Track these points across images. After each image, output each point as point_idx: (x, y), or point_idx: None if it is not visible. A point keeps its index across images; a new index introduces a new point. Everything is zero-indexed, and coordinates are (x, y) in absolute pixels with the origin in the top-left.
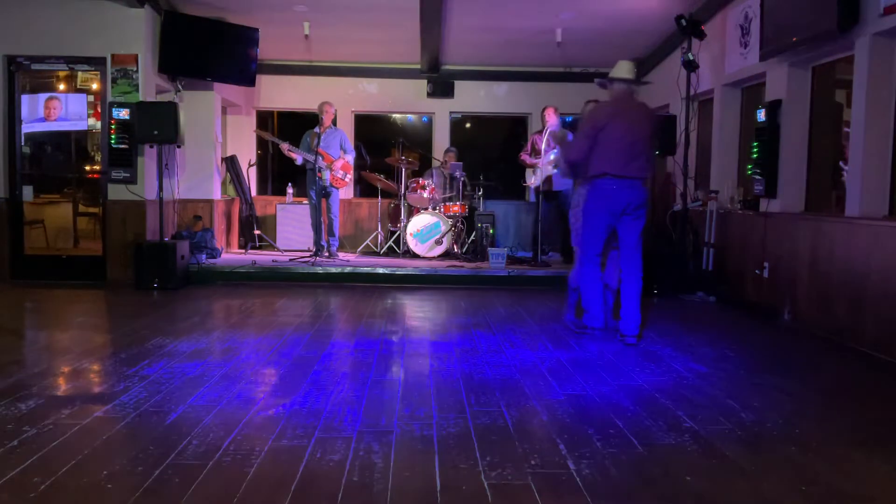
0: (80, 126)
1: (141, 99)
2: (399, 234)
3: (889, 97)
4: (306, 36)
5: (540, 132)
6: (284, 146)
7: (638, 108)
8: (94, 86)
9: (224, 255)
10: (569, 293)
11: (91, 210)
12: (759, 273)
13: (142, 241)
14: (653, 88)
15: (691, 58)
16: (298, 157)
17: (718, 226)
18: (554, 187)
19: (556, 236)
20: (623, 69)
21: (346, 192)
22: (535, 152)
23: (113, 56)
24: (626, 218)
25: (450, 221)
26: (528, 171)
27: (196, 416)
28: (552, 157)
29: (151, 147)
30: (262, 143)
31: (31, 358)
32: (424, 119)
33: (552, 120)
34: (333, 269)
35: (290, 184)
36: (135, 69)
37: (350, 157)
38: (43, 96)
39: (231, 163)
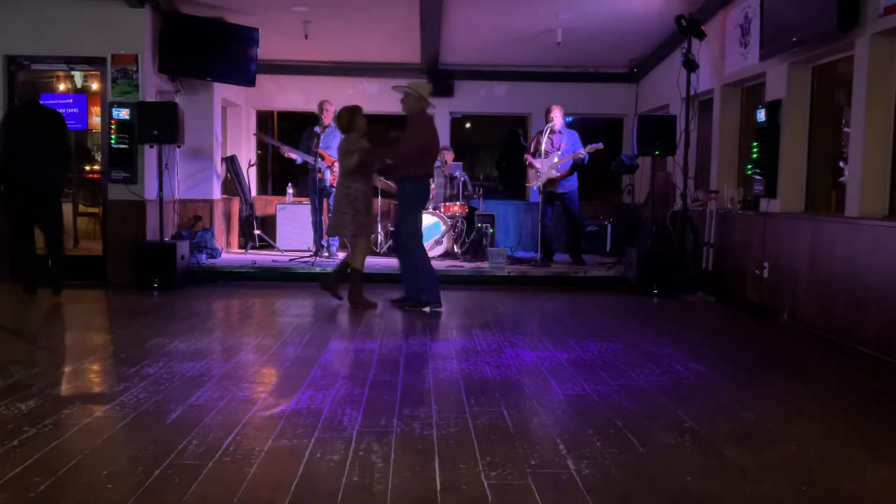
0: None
1: (141, 99)
2: None
3: (889, 97)
4: (306, 36)
5: (541, 132)
6: (284, 149)
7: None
8: (95, 85)
9: (224, 255)
10: (351, 276)
11: (91, 210)
12: (758, 273)
13: (142, 241)
14: (653, 88)
15: (691, 58)
16: (298, 158)
17: (718, 226)
18: (557, 189)
19: (560, 237)
20: (428, 91)
21: None
22: (539, 152)
23: (113, 56)
24: None
25: (450, 221)
26: (531, 172)
27: (196, 416)
28: (556, 159)
29: (151, 147)
30: (262, 144)
31: (32, 358)
32: None
33: (557, 119)
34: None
35: (290, 184)
36: (135, 69)
37: None
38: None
39: (231, 163)
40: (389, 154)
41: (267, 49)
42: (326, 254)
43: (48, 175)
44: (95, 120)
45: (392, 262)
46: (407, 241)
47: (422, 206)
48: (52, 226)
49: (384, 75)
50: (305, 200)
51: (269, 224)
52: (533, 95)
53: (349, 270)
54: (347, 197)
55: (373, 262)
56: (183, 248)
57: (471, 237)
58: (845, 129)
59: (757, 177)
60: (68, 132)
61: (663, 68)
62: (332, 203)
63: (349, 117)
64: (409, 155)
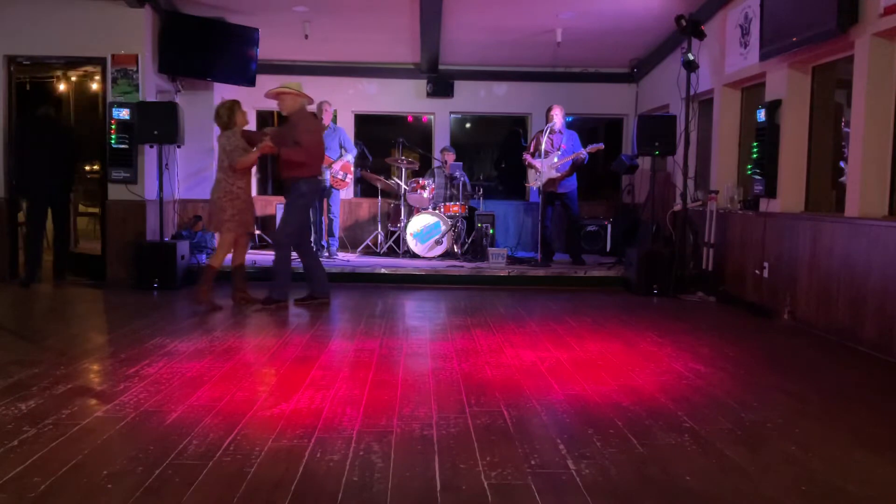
0: None
1: (141, 99)
2: (399, 234)
3: (889, 97)
4: (306, 36)
5: (542, 132)
6: None
7: None
8: (95, 86)
9: None
10: (203, 272)
11: (91, 210)
12: (758, 273)
13: (142, 241)
14: (653, 88)
15: (691, 58)
16: None
17: (718, 226)
18: (557, 189)
19: (560, 237)
20: (301, 87)
21: (346, 191)
22: (538, 152)
23: (113, 56)
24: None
25: (450, 221)
26: (531, 172)
27: (196, 416)
28: (556, 159)
29: (151, 147)
30: None
31: (32, 357)
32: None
33: (558, 119)
34: (333, 269)
35: None
36: (135, 69)
37: (350, 156)
38: None
39: None
40: (283, 153)
41: (267, 49)
42: (326, 254)
43: (59, 178)
44: None
45: (388, 262)
46: (281, 236)
47: (310, 207)
48: (62, 222)
49: (384, 75)
50: None
51: (269, 224)
52: (533, 95)
53: (207, 267)
54: (230, 194)
55: (372, 262)
56: (183, 248)
57: (471, 237)
58: (845, 129)
59: (757, 177)
60: (74, 139)
61: (663, 68)
62: (332, 203)
63: (228, 113)
64: (299, 156)
